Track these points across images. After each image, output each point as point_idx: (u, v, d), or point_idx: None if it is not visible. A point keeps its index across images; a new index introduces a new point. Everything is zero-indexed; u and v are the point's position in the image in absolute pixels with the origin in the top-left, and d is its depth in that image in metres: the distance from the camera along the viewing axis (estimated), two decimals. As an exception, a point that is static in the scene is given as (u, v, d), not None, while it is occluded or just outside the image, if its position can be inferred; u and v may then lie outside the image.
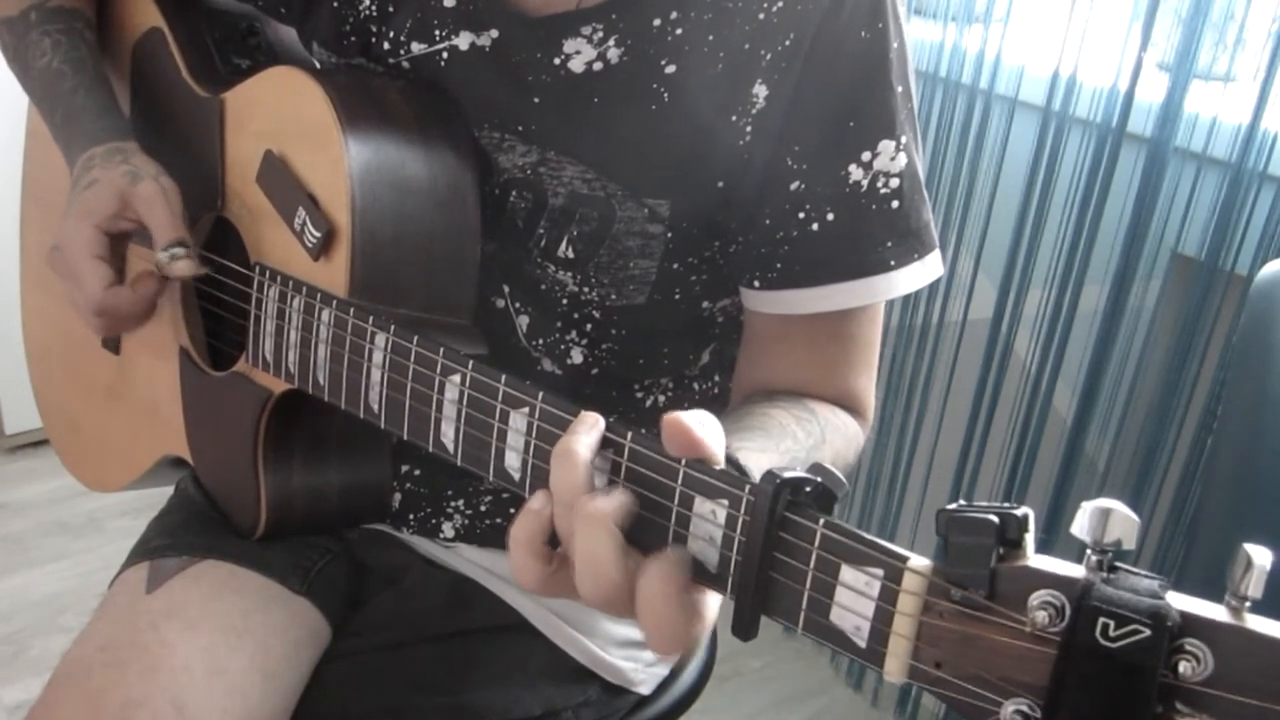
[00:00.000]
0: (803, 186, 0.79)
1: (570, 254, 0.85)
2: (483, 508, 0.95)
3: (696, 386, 0.96)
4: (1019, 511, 0.46)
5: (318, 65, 0.94)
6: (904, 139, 0.79)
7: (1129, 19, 1.36)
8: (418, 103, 0.84)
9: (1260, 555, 0.41)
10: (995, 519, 0.46)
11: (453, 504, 0.95)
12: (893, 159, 0.79)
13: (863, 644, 0.51)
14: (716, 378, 0.97)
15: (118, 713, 0.79)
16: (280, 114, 0.85)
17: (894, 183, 0.79)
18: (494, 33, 0.82)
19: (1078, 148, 1.44)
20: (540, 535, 0.58)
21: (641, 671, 0.99)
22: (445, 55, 0.84)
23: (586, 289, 0.86)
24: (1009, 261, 1.55)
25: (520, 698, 0.92)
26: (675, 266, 0.85)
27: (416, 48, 0.85)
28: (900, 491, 1.81)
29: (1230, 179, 1.28)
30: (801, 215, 0.80)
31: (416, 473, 0.95)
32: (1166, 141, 1.33)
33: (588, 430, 0.58)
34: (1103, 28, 1.40)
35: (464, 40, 0.83)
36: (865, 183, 0.79)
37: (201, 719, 0.80)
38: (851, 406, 0.85)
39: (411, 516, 0.96)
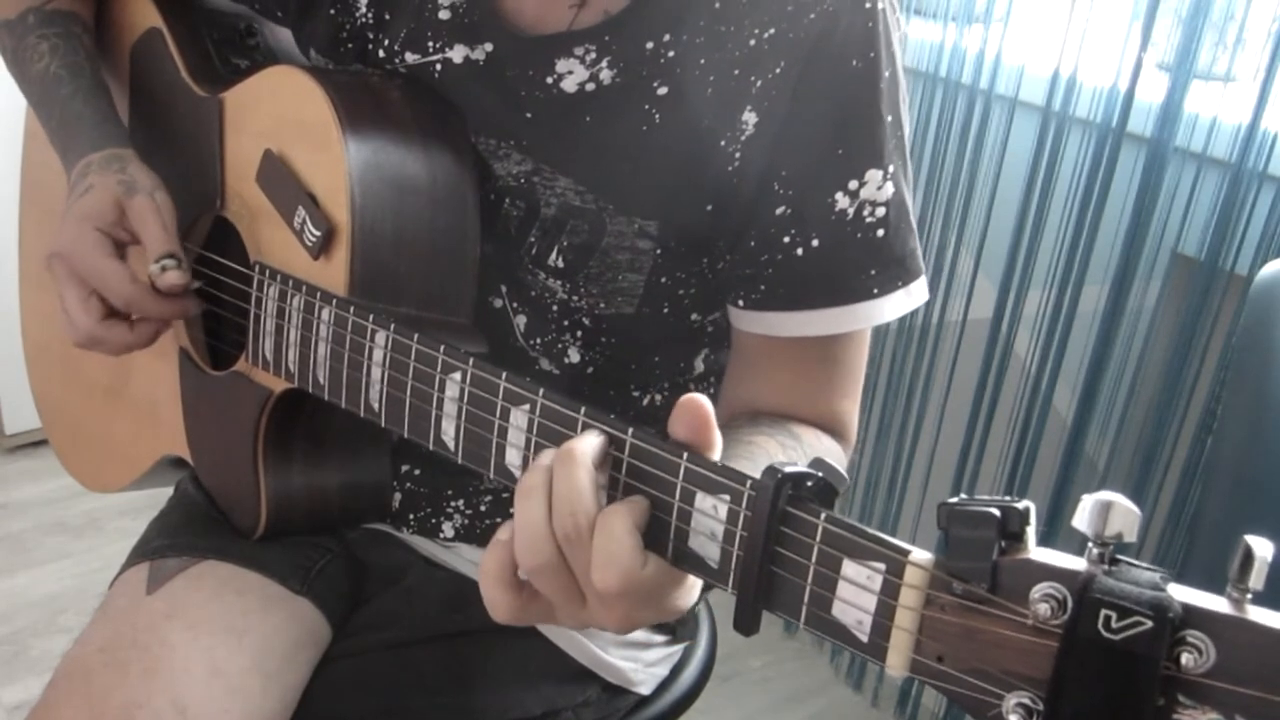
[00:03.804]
0: (789, 212, 0.79)
1: (560, 263, 0.85)
2: (482, 507, 0.95)
3: (692, 388, 0.96)
4: (1020, 505, 0.47)
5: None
6: (892, 168, 0.79)
7: (1129, 19, 1.36)
8: (417, 102, 0.84)
9: (1261, 546, 0.41)
10: (997, 512, 0.46)
11: (453, 504, 0.95)
12: (880, 188, 0.79)
13: (865, 638, 0.51)
14: (711, 379, 0.97)
15: (118, 713, 0.79)
16: (280, 113, 0.85)
17: (880, 211, 0.79)
18: (488, 47, 0.82)
19: (1078, 148, 1.44)
20: (511, 566, 0.58)
21: (641, 671, 0.99)
22: (439, 67, 0.84)
23: (576, 298, 0.86)
24: (1009, 261, 1.55)
25: (520, 698, 0.92)
26: (664, 281, 0.85)
27: (411, 58, 0.85)
28: (900, 492, 1.81)
29: (1230, 179, 1.28)
30: (787, 239, 0.80)
31: (416, 472, 0.95)
32: (1166, 141, 1.33)
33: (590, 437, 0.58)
34: (1103, 28, 1.40)
35: (458, 53, 0.83)
36: (851, 211, 0.79)
37: (202, 719, 0.80)
38: (834, 429, 0.85)
39: (411, 516, 0.96)
